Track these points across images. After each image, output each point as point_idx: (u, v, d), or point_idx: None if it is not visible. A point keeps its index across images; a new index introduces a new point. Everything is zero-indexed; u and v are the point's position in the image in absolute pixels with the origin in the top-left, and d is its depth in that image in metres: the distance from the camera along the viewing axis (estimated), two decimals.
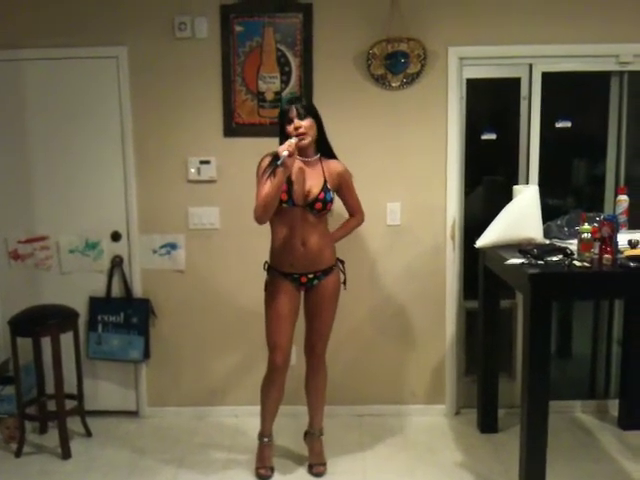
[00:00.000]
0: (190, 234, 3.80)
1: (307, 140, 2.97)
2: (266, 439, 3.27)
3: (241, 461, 3.38)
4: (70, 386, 3.61)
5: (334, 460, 3.35)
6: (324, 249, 3.08)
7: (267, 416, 3.24)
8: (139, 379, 3.92)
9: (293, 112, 2.95)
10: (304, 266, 3.06)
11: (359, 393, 3.90)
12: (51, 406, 3.61)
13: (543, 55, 3.63)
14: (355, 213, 3.29)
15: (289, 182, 2.94)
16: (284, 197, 2.95)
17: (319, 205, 3.00)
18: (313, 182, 3.02)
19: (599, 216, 3.10)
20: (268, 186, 2.84)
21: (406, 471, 3.27)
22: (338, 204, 3.24)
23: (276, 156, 2.82)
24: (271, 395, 3.18)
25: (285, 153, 2.77)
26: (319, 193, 2.99)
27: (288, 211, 3.00)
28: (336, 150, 3.16)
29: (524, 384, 2.84)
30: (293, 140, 2.86)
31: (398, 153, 3.71)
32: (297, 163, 2.98)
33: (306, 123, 2.95)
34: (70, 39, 3.64)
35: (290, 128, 2.95)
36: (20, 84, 3.70)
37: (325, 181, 3.03)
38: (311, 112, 2.99)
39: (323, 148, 3.10)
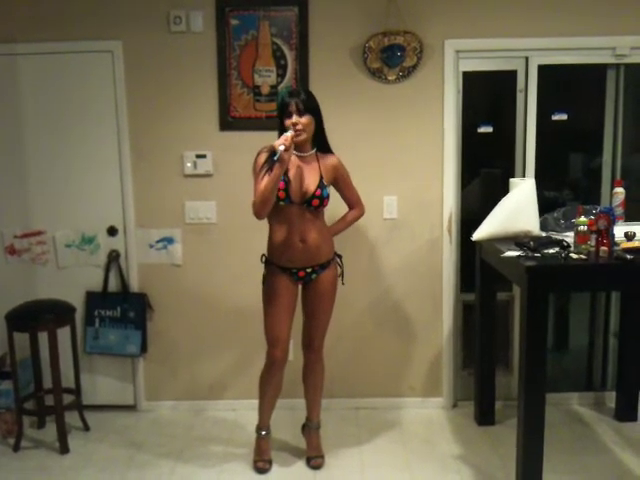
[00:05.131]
0: (187, 228, 3.79)
1: (303, 137, 2.97)
2: (264, 432, 3.28)
3: (239, 454, 3.39)
4: (68, 381, 3.62)
5: (332, 453, 3.36)
6: (322, 244, 3.08)
7: (265, 409, 3.25)
8: (136, 373, 3.92)
9: (293, 107, 2.94)
10: (302, 261, 3.06)
11: (356, 386, 3.91)
12: (49, 401, 3.63)
13: (539, 48, 3.62)
14: (354, 205, 3.28)
15: (286, 180, 2.94)
16: (282, 195, 2.95)
17: (316, 202, 3.00)
18: (309, 179, 3.01)
19: (595, 209, 3.11)
20: (266, 180, 2.84)
21: (403, 464, 3.28)
22: (339, 203, 3.25)
23: (273, 151, 2.82)
24: (269, 389, 3.19)
25: (281, 147, 2.77)
26: (315, 190, 2.99)
27: (285, 208, 3.00)
28: (332, 143, 3.15)
29: (521, 377, 2.85)
30: (289, 134, 2.85)
31: (394, 146, 3.70)
32: (294, 160, 2.99)
33: (304, 120, 2.95)
34: (65, 33, 3.62)
35: (288, 122, 2.94)
36: (15, 79, 3.68)
37: (321, 177, 3.03)
38: (311, 108, 2.98)
39: (320, 143, 3.10)
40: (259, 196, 2.89)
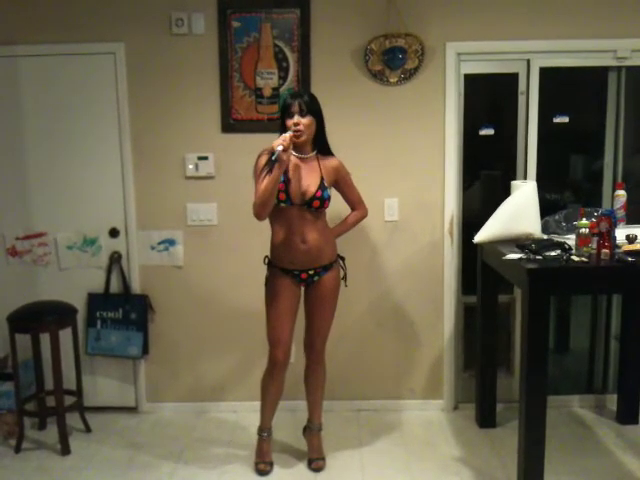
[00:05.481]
0: (188, 230, 3.79)
1: (303, 138, 2.97)
2: (265, 434, 3.28)
3: (240, 456, 3.39)
4: (69, 382, 3.62)
5: (333, 455, 3.36)
6: (324, 246, 3.08)
7: (266, 411, 3.25)
8: (138, 375, 3.92)
9: (295, 107, 2.94)
10: (304, 263, 3.06)
11: (358, 388, 3.91)
12: (50, 402, 3.62)
13: (541, 50, 3.63)
14: (356, 207, 3.28)
15: (286, 181, 2.95)
16: (282, 197, 2.95)
17: (317, 203, 3.00)
18: (310, 180, 3.01)
19: (597, 211, 3.11)
20: (265, 181, 2.84)
21: (404, 466, 3.28)
22: (343, 205, 3.25)
23: (272, 152, 2.82)
24: (271, 390, 3.19)
25: (279, 148, 2.77)
26: (316, 191, 2.99)
27: (286, 210, 3.00)
28: (334, 146, 3.16)
29: (522, 379, 2.85)
30: (288, 134, 2.85)
31: (396, 149, 3.71)
32: (294, 160, 2.99)
33: (305, 121, 2.95)
34: (67, 35, 3.63)
35: (289, 122, 2.95)
36: (17, 80, 3.69)
37: (322, 178, 3.03)
38: (313, 110, 2.98)
39: (321, 145, 3.10)
40: (259, 197, 2.89)
